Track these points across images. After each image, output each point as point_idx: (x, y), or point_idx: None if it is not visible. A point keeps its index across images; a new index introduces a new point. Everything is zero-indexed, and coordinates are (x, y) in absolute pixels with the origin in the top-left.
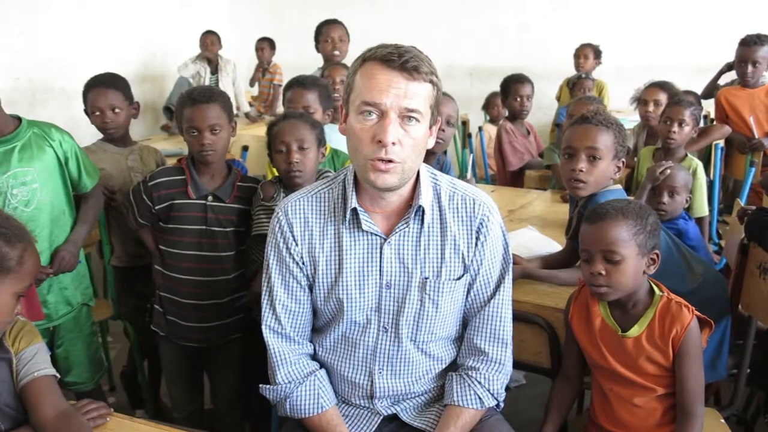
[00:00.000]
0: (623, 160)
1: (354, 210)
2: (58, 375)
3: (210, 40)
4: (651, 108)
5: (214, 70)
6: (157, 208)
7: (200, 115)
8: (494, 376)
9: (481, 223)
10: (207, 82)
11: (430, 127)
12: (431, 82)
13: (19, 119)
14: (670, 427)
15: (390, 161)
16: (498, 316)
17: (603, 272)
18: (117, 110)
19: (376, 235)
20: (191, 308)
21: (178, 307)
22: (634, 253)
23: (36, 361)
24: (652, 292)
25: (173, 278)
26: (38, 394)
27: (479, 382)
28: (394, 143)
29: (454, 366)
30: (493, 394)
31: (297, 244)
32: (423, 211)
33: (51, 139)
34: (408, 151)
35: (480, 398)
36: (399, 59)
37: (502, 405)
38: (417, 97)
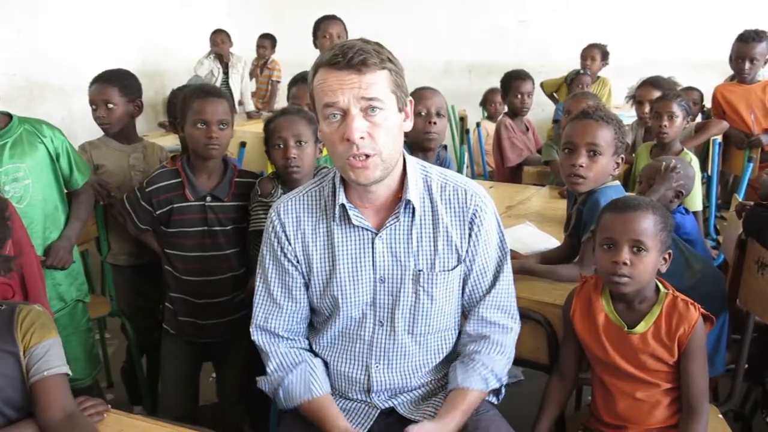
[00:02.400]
0: (622, 156)
1: (342, 206)
2: (70, 373)
3: (220, 39)
4: (647, 108)
5: (225, 69)
6: (157, 212)
7: (211, 108)
8: (496, 357)
9: (474, 214)
10: (219, 82)
11: (401, 110)
12: (385, 68)
13: (9, 116)
14: (672, 420)
15: (365, 156)
16: (504, 291)
17: (629, 262)
18: (111, 106)
19: (366, 229)
20: (207, 307)
21: (194, 307)
22: (657, 247)
23: (47, 359)
24: (657, 289)
25: (183, 280)
26: (46, 394)
27: (482, 364)
28: (363, 137)
29: (451, 358)
30: (496, 376)
31: (290, 243)
32: (412, 204)
33: (42, 135)
34: (382, 140)
35: (485, 379)
36: (344, 59)
37: (503, 392)
38: (373, 86)
